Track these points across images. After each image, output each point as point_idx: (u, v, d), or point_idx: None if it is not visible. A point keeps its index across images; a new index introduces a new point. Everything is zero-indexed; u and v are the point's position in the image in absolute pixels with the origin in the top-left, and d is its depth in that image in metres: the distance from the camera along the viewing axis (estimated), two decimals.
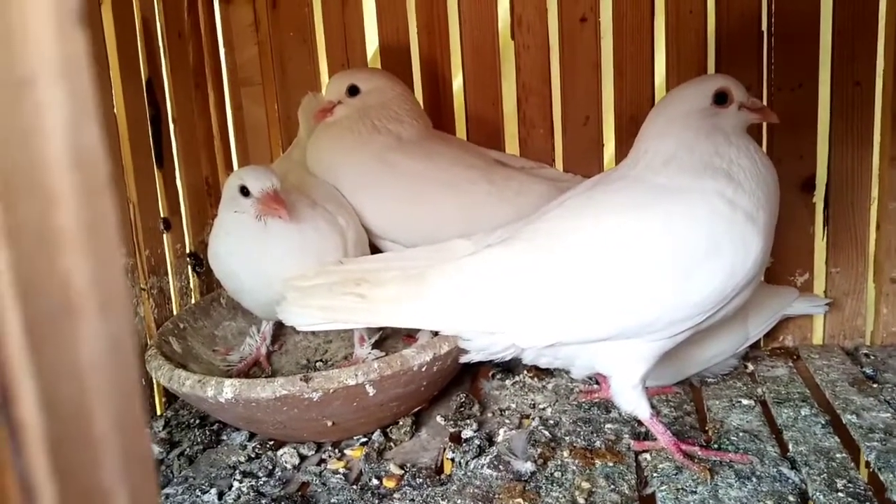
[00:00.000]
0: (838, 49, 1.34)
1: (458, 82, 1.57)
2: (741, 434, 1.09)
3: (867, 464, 1.01)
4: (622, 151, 1.44)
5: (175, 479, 1.09)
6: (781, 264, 1.40)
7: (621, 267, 1.00)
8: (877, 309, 1.39)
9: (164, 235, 1.39)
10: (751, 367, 1.34)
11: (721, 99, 1.05)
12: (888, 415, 1.11)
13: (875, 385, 1.22)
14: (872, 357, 1.33)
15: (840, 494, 0.92)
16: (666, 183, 1.03)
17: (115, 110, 1.26)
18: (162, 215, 1.38)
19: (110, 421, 0.29)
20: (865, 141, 1.35)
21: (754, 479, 0.97)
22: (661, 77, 1.46)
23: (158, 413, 1.33)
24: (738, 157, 1.03)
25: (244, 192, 1.17)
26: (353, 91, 1.39)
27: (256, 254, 1.19)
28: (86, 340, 0.28)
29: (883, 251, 1.36)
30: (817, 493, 0.93)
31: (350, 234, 1.27)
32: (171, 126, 1.42)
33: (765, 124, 1.37)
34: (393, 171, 1.34)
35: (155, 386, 1.32)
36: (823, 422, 1.11)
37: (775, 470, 0.99)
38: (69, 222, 0.27)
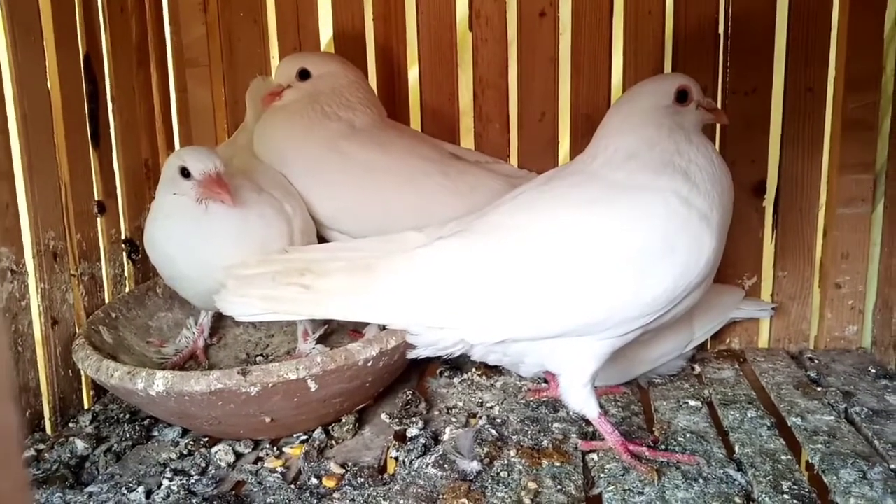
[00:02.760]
0: (792, 55, 1.35)
1: (413, 73, 1.53)
2: (688, 435, 1.08)
3: (811, 466, 1.01)
4: (577, 149, 1.43)
5: (100, 477, 1.03)
6: (730, 267, 1.40)
7: (574, 263, 0.98)
8: (821, 314, 1.41)
9: (98, 219, 1.31)
10: (698, 368, 1.34)
11: (682, 97, 1.05)
12: (832, 418, 1.12)
13: (819, 388, 1.23)
14: (816, 361, 1.35)
15: (785, 496, 0.92)
16: (623, 179, 1.01)
17: (49, 84, 1.19)
18: (96, 198, 1.31)
19: None
20: (815, 147, 1.37)
21: (701, 481, 0.96)
22: (618, 76, 1.45)
23: (86, 407, 1.25)
24: (696, 156, 1.02)
25: (185, 173, 1.11)
26: (303, 75, 1.34)
27: (196, 239, 1.13)
28: None
29: (829, 257, 1.38)
30: (763, 495, 0.92)
31: (297, 222, 1.22)
32: (110, 104, 1.35)
33: (718, 127, 1.38)
34: (344, 160, 1.30)
35: (83, 377, 1.25)
36: (769, 424, 1.11)
37: (722, 471, 0.98)
38: None
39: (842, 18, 1.33)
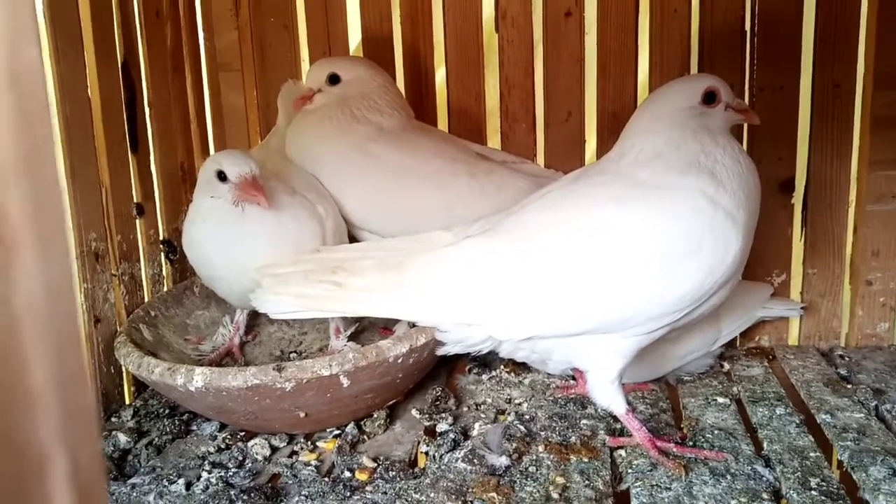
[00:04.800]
0: (820, 52, 1.34)
1: (440, 74, 1.55)
2: (716, 432, 1.09)
3: (840, 463, 1.02)
4: (603, 149, 1.44)
5: (142, 469, 1.06)
6: (759, 265, 1.40)
7: (601, 261, 0.99)
8: (852, 311, 1.40)
9: (137, 221, 1.36)
10: (727, 366, 1.34)
11: (710, 98, 1.05)
12: (861, 415, 1.12)
13: (849, 386, 1.23)
14: (847, 358, 1.34)
15: (813, 493, 0.92)
16: (649, 179, 1.02)
17: (89, 91, 1.23)
18: (135, 200, 1.35)
19: (48, 373, 0.26)
20: (844, 144, 1.36)
21: (728, 477, 0.97)
22: (644, 75, 1.46)
23: (127, 402, 1.30)
24: (722, 156, 1.03)
25: (221, 177, 1.15)
26: (333, 80, 1.37)
27: (232, 240, 1.16)
28: (21, 281, 0.25)
29: (859, 254, 1.37)
30: (791, 492, 0.93)
31: (329, 224, 1.25)
32: (147, 109, 1.39)
33: (745, 125, 1.38)
34: (373, 162, 1.32)
35: (124, 374, 1.29)
36: (798, 421, 1.11)
37: (749, 468, 0.99)
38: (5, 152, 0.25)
39: (870, 15, 1.31)
